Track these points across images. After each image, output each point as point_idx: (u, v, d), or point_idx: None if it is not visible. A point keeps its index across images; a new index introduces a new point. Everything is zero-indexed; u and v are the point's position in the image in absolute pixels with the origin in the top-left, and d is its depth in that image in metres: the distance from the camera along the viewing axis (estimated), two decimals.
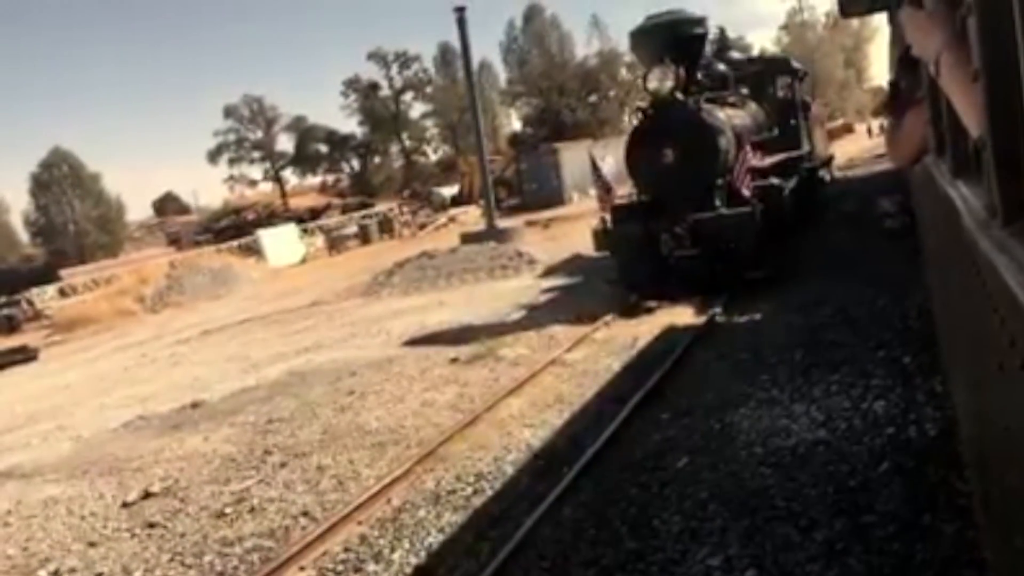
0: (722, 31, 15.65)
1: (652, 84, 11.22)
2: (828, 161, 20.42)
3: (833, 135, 46.07)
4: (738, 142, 11.55)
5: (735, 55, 15.51)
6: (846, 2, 2.49)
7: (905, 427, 5.17)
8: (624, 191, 13.01)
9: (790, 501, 4.52)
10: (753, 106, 14.12)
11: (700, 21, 12.15)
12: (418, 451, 6.54)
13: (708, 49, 13.45)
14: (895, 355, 6.67)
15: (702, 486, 4.97)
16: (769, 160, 12.91)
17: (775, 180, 11.98)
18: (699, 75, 12.58)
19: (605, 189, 12.52)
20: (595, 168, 13.03)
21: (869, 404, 5.72)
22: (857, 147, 40.88)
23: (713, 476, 5.10)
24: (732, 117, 12.20)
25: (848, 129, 54.76)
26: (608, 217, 11.98)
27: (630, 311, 10.77)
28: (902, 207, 12.62)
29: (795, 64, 16.58)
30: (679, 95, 11.25)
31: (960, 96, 1.72)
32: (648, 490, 5.10)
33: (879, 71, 61.25)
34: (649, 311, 10.72)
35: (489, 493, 5.60)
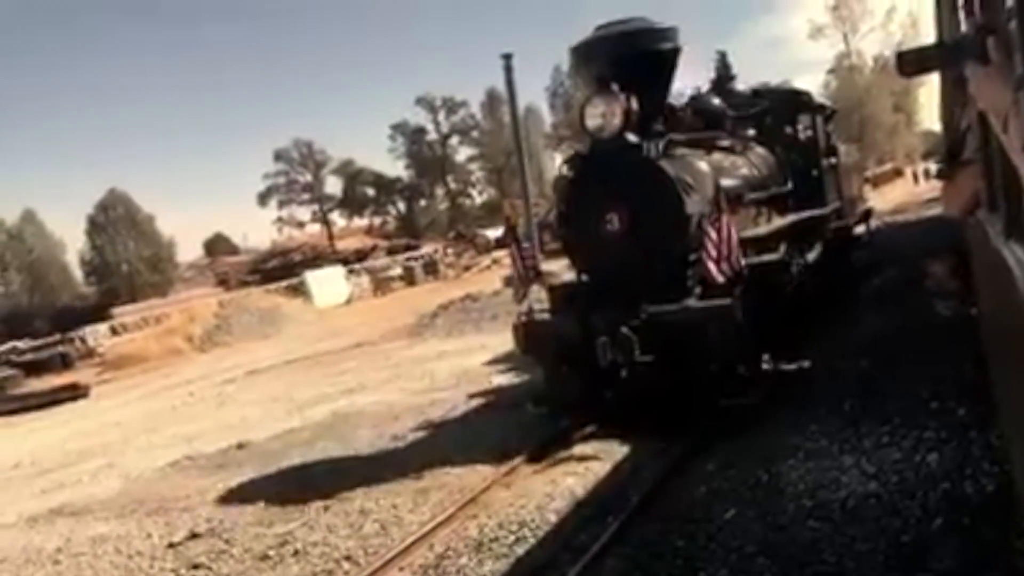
0: (723, 56, 12.08)
1: (591, 121, 7.97)
2: (865, 217, 16.09)
3: (882, 180, 45.63)
4: (718, 202, 7.45)
5: (739, 87, 12.15)
6: (904, 62, 2.51)
7: (960, 482, 5.04)
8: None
9: (840, 556, 4.42)
10: (760, 152, 10.65)
11: (666, 33, 8.41)
12: (460, 497, 6.52)
13: (701, 80, 11.00)
14: (949, 406, 6.51)
15: (749, 539, 4.88)
16: (777, 223, 9.61)
17: (783, 252, 8.51)
18: (683, 111, 9.69)
19: (524, 266, 8.63)
20: (512, 236, 9.02)
21: (922, 456, 5.58)
22: (906, 191, 40.37)
23: (761, 529, 5.00)
24: (722, 168, 8.93)
25: (898, 173, 54.12)
26: (534, 305, 8.48)
27: (551, 447, 7.49)
28: (957, 276, 10.03)
29: (819, 99, 12.93)
30: (631, 136, 7.91)
31: None
32: (694, 542, 5.02)
33: (929, 115, 60.58)
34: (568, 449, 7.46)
35: (532, 541, 5.55)
